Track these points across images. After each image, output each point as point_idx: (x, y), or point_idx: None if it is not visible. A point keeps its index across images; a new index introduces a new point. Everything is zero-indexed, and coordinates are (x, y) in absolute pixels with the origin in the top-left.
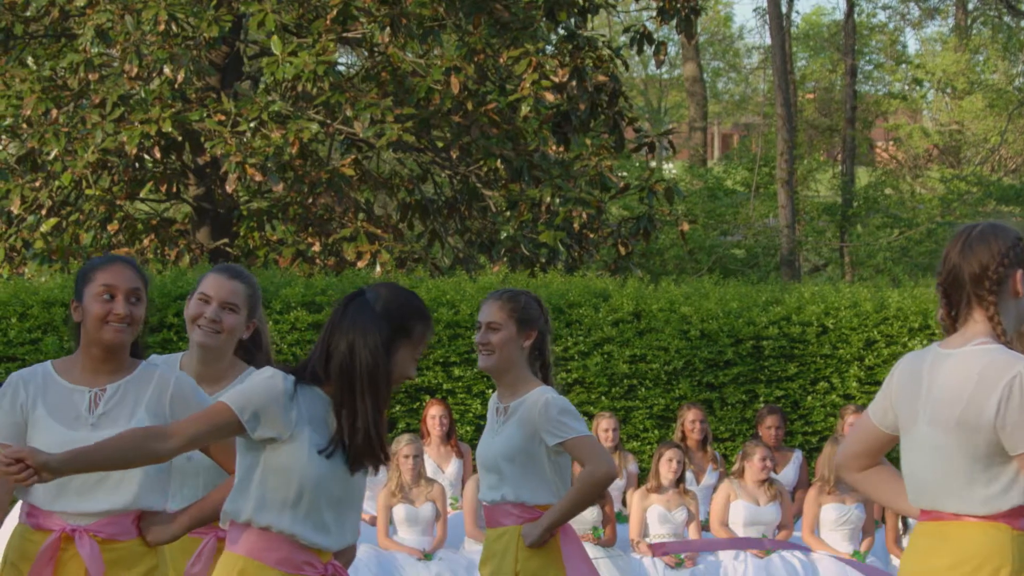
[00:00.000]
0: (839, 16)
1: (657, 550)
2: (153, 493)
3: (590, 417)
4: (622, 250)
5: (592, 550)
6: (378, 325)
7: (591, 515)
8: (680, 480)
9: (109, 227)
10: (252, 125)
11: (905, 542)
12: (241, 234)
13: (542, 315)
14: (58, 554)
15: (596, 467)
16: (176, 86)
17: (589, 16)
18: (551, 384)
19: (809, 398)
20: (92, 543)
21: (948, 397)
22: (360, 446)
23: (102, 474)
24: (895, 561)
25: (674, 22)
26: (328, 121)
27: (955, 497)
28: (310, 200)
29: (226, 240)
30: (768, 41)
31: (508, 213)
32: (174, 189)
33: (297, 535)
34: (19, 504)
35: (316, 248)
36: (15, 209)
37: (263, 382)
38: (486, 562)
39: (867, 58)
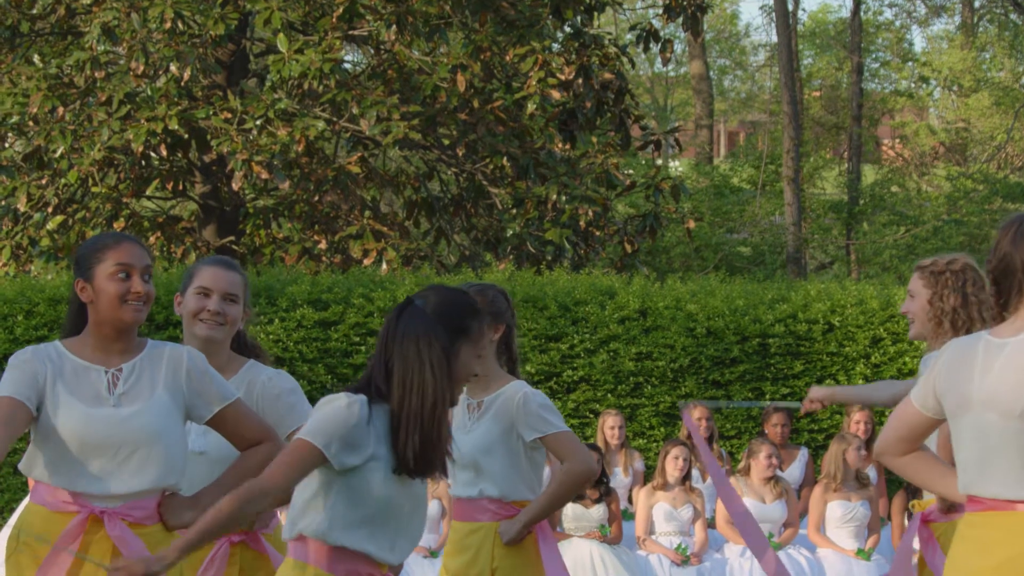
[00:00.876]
0: (845, 14)
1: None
2: (173, 473)
3: (596, 415)
4: (628, 248)
5: (598, 547)
6: (435, 331)
7: (597, 513)
8: (686, 478)
9: (115, 224)
10: (258, 123)
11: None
12: (247, 232)
13: (509, 308)
14: (82, 536)
15: (576, 463)
16: (182, 84)
17: (595, 14)
18: (518, 377)
19: None
20: (122, 525)
21: (1008, 385)
22: (429, 456)
23: (125, 454)
24: None
25: (680, 20)
26: (334, 119)
27: (1014, 484)
28: (316, 198)
29: (232, 238)
30: (774, 39)
31: (514, 211)
32: (180, 187)
33: (371, 553)
34: (25, 501)
35: (322, 246)
36: (21, 207)
37: (340, 412)
38: (455, 555)
39: (873, 56)
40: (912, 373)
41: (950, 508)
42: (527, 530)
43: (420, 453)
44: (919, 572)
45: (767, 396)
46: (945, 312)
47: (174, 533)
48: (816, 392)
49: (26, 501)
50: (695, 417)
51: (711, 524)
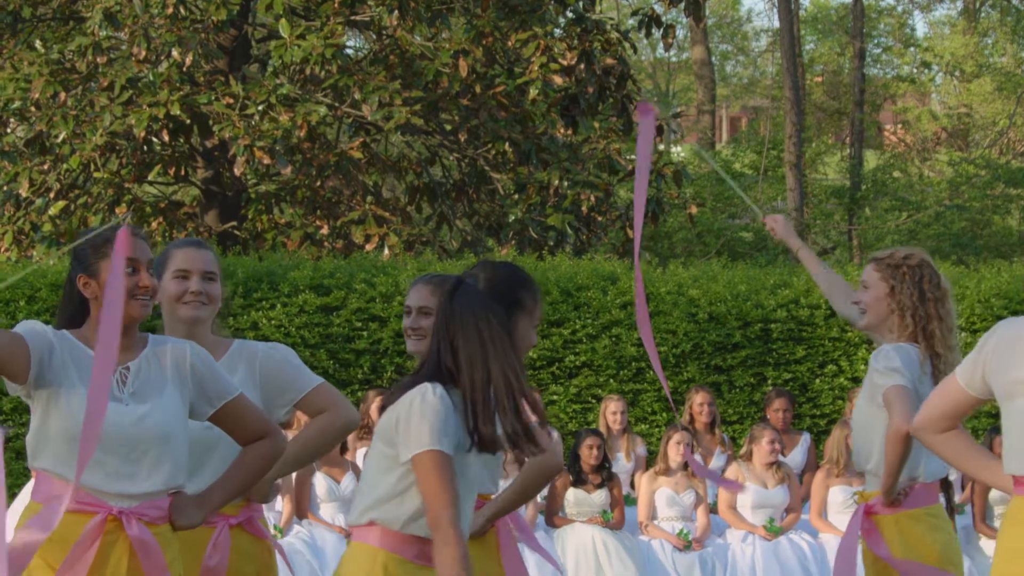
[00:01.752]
0: None
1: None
2: (182, 472)
3: (598, 400)
4: (630, 233)
5: (600, 532)
6: (491, 306)
7: (599, 498)
8: (687, 464)
9: (117, 210)
10: (260, 108)
11: None
12: (249, 217)
13: None
14: (101, 538)
15: (546, 458)
16: (184, 69)
17: None
18: None
19: (817, 381)
20: (141, 525)
21: None
22: (511, 432)
23: (139, 453)
24: None
25: (682, 5)
26: (336, 104)
27: None
28: (318, 183)
29: (234, 223)
30: (776, 24)
31: (516, 196)
32: (182, 172)
33: None
34: (29, 485)
35: (324, 231)
36: (23, 192)
37: (441, 408)
38: None
39: (875, 41)
40: None
41: (894, 502)
42: (490, 524)
43: (495, 430)
44: (867, 565)
45: (769, 381)
46: (905, 307)
47: (178, 534)
48: (779, 220)
49: (24, 498)
50: (697, 402)
51: (713, 509)
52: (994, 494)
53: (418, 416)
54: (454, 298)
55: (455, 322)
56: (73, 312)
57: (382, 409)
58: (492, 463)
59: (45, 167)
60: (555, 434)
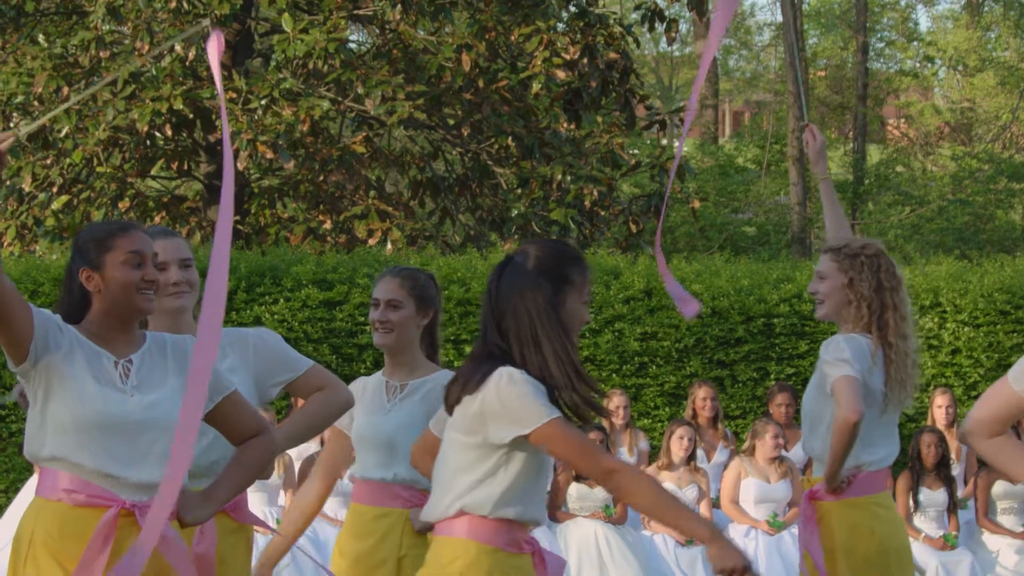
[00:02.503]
0: None
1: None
2: (187, 467)
3: (601, 395)
4: (633, 228)
5: (603, 527)
6: (538, 284)
7: (602, 493)
8: (691, 458)
9: (120, 204)
10: (263, 103)
11: (916, 520)
12: (252, 212)
13: (438, 294)
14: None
15: None
16: (187, 64)
17: None
18: (437, 363)
19: None
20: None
21: None
22: (569, 406)
23: (147, 443)
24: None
25: None
26: (339, 99)
27: None
28: (321, 178)
29: (237, 217)
30: (780, 18)
31: (519, 191)
32: (185, 167)
33: (539, 518)
34: (32, 480)
35: (327, 226)
36: (26, 187)
37: (529, 380)
38: (357, 539)
39: (879, 35)
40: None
41: (836, 489)
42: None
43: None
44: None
45: (772, 376)
46: (863, 297)
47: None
48: (818, 137)
49: (23, 497)
50: (700, 396)
51: (716, 504)
52: (997, 489)
53: (516, 396)
54: (501, 277)
55: (503, 302)
56: (72, 306)
57: (446, 400)
58: None
59: (48, 162)
60: None
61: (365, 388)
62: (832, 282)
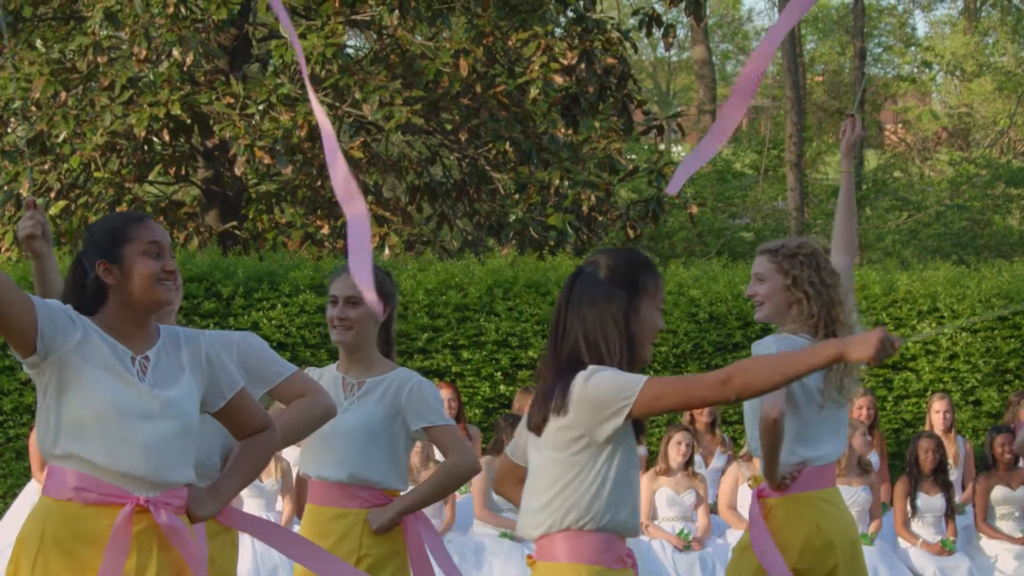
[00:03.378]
0: None
1: None
2: (194, 463)
3: None
4: (631, 233)
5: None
6: (611, 293)
7: None
8: (689, 463)
9: (118, 209)
10: (261, 108)
11: (913, 526)
12: (250, 217)
13: (395, 290)
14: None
15: (463, 458)
16: (185, 69)
17: None
18: (392, 360)
19: None
20: (170, 514)
21: None
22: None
23: (164, 440)
24: (903, 544)
25: (683, 4)
26: (337, 104)
27: None
28: (319, 183)
29: (235, 223)
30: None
31: (517, 196)
32: (183, 172)
33: (637, 527)
34: (29, 486)
35: (325, 231)
36: (24, 192)
37: (613, 371)
38: (316, 540)
39: (876, 40)
40: (914, 359)
41: (780, 485)
42: (399, 519)
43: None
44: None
45: None
46: (809, 295)
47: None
48: (857, 129)
49: (25, 499)
50: None
51: (713, 510)
52: (996, 494)
53: (605, 381)
54: (573, 287)
55: (574, 312)
56: (86, 300)
57: (529, 422)
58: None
59: (46, 167)
60: (474, 430)
61: (320, 381)
62: (772, 283)
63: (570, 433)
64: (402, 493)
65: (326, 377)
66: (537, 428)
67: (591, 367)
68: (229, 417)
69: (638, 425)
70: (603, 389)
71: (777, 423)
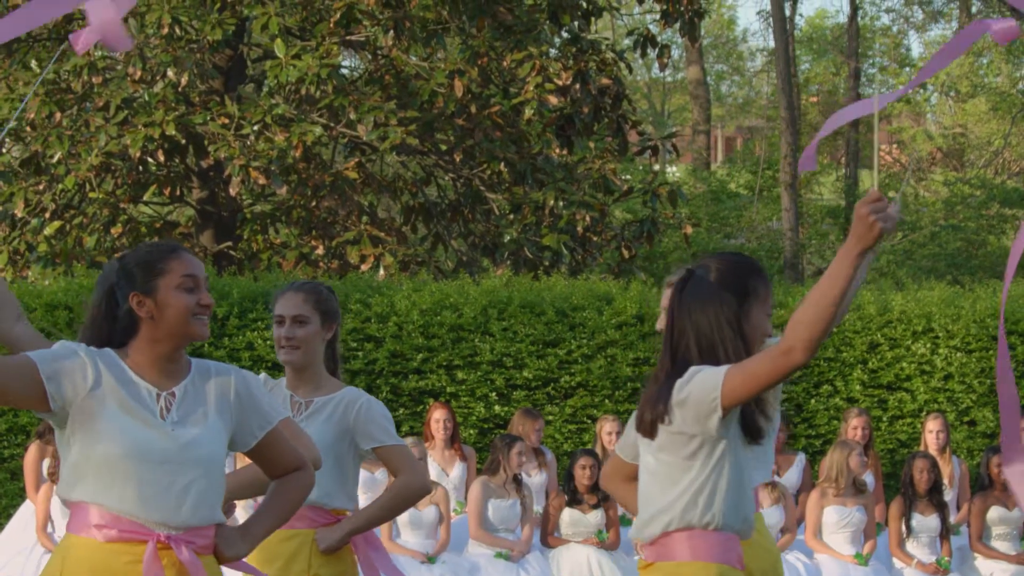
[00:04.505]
0: (842, 19)
1: None
2: (220, 504)
3: (593, 420)
4: (625, 253)
5: (596, 553)
6: (722, 297)
7: (595, 518)
8: None
9: (113, 230)
10: (256, 128)
11: (908, 546)
12: (244, 237)
13: (338, 307)
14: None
15: (413, 479)
16: (180, 89)
17: (592, 19)
18: (339, 378)
19: (812, 401)
20: (191, 552)
21: None
22: (756, 420)
23: (184, 483)
24: (898, 564)
25: (677, 25)
26: (331, 124)
27: None
28: (313, 203)
29: (229, 243)
30: (772, 44)
31: (511, 216)
32: (177, 192)
33: (751, 529)
34: (24, 507)
35: (319, 251)
36: (19, 212)
37: (707, 367)
38: (265, 563)
39: (871, 61)
40: (909, 379)
41: None
42: (348, 539)
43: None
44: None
45: None
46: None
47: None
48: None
49: (15, 524)
50: None
51: None
52: (992, 515)
53: (698, 378)
54: (683, 291)
55: (685, 316)
56: (116, 333)
57: (640, 424)
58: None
59: (40, 187)
60: (469, 450)
61: (272, 392)
62: None
63: (680, 436)
64: (350, 513)
65: (276, 392)
66: (648, 431)
67: (690, 369)
68: (260, 455)
69: (750, 428)
70: (696, 390)
71: None
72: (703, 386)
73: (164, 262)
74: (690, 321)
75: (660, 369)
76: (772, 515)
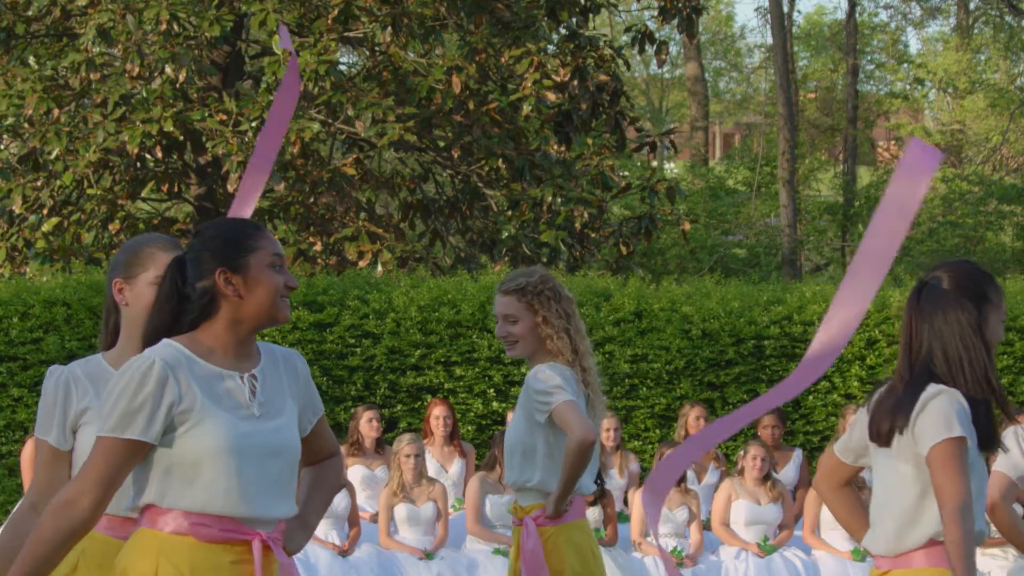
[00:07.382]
0: (840, 15)
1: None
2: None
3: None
4: (623, 250)
5: None
6: (962, 304)
7: (593, 515)
8: (681, 480)
9: (111, 227)
10: (254, 124)
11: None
12: None
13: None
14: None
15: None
16: (177, 85)
17: (591, 15)
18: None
19: (810, 397)
20: (281, 551)
21: None
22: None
23: (275, 473)
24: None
25: (676, 21)
26: (330, 120)
27: None
28: (312, 200)
29: None
30: (770, 40)
31: (509, 212)
32: (175, 189)
33: (983, 537)
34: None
35: (318, 248)
36: (17, 208)
37: (961, 409)
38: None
39: (869, 57)
40: None
41: (559, 512)
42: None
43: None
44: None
45: None
46: (560, 330)
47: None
48: None
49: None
50: (692, 417)
51: (706, 526)
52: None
53: (931, 412)
54: (920, 300)
55: (924, 325)
56: (181, 311)
57: (875, 431)
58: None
59: (38, 183)
60: (467, 446)
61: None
62: (526, 322)
63: (920, 448)
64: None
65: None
66: (884, 440)
67: (935, 389)
68: (307, 441)
69: (985, 439)
70: (931, 419)
71: (592, 445)
72: (935, 420)
73: (254, 238)
74: (932, 331)
75: (898, 379)
76: (770, 512)
